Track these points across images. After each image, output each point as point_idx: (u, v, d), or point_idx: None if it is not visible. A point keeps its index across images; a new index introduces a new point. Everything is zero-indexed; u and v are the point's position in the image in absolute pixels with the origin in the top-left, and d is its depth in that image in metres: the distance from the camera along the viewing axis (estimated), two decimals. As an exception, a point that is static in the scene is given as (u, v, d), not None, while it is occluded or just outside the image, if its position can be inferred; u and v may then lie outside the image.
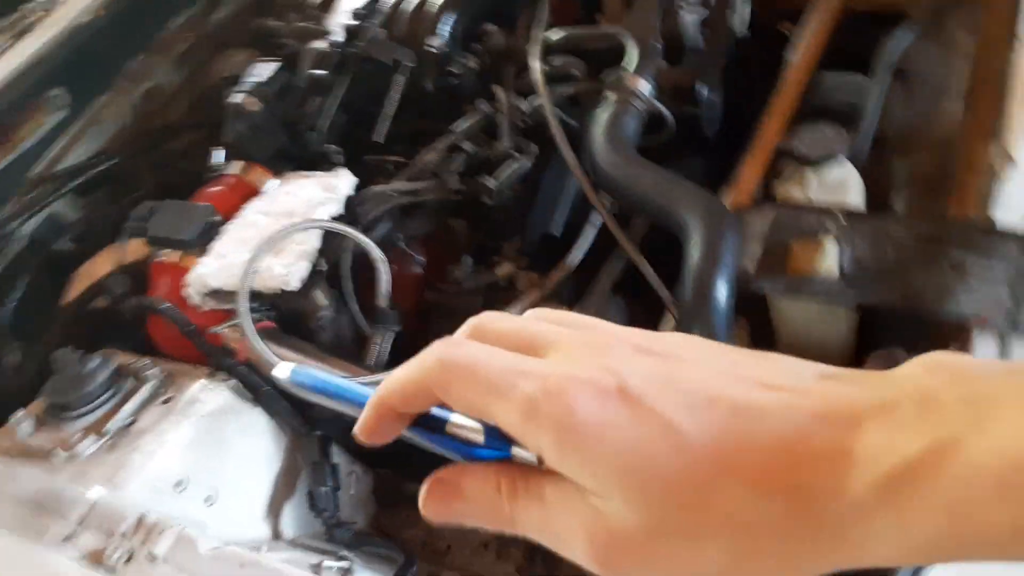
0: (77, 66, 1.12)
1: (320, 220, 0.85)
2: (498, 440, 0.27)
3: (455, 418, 0.28)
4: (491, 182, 0.87)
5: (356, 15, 1.05)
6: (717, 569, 0.22)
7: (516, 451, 0.27)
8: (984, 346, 0.63)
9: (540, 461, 0.26)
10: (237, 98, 0.97)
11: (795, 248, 0.73)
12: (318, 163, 1.01)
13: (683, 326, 0.67)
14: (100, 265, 0.97)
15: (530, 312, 0.30)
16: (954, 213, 0.76)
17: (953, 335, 0.65)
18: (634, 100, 0.88)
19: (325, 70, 1.02)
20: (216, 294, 0.85)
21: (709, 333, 0.65)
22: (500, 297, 0.89)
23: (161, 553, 0.62)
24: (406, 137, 1.03)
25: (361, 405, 0.28)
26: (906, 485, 0.20)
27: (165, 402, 0.77)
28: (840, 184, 0.82)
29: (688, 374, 0.24)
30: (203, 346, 0.83)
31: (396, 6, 1.07)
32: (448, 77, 1.03)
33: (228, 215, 0.91)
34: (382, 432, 0.28)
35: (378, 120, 1.05)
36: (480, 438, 0.27)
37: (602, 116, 0.87)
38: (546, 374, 0.24)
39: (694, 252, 0.69)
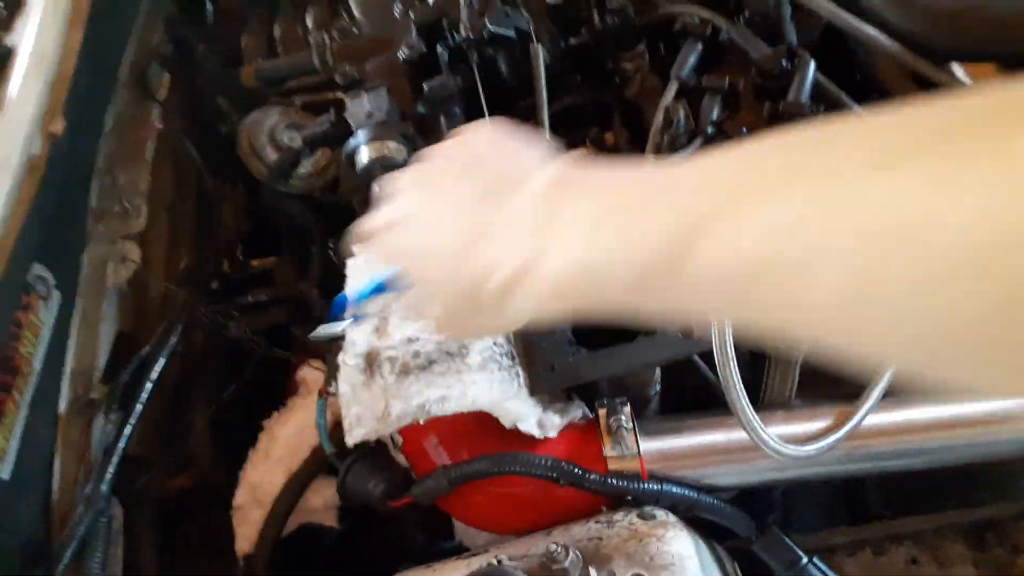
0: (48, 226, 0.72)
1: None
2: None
3: None
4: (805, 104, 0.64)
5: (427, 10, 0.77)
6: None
7: None
8: None
9: None
10: (368, 151, 0.66)
11: None
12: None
13: None
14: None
15: None
16: None
17: None
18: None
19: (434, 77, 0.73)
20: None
21: None
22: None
23: None
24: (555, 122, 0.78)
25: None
26: (515, 285, 0.34)
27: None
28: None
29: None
30: (597, 483, 0.54)
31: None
32: (579, 33, 0.79)
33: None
34: None
35: (519, 113, 0.79)
36: None
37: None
38: None
39: None
